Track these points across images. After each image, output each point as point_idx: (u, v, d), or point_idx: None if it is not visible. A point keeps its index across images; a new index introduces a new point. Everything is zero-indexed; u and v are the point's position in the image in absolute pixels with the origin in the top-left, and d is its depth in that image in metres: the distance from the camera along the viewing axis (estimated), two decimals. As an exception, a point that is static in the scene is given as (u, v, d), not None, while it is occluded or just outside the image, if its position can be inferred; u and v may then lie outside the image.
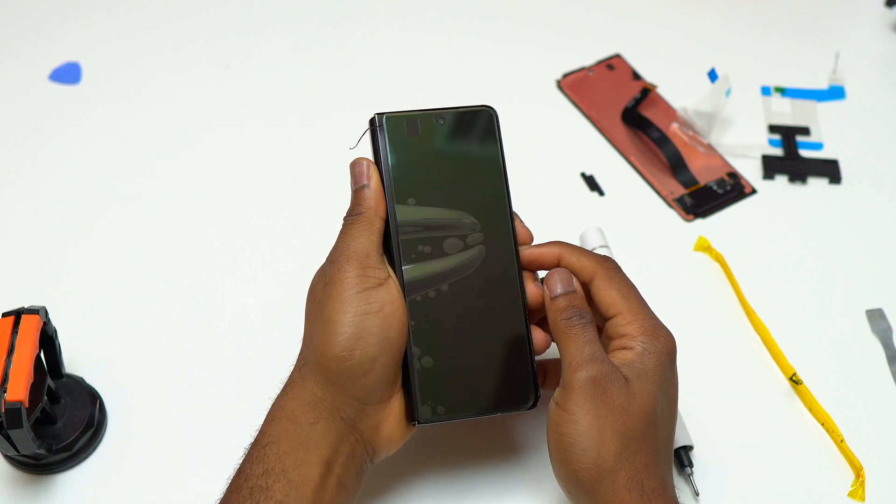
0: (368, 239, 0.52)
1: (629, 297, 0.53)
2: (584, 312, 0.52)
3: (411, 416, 0.52)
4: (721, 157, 0.76)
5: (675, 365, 0.53)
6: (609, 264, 0.54)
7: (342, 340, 0.50)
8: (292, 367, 0.53)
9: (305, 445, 0.50)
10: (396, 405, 0.53)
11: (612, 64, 0.83)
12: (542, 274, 0.56)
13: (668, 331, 0.53)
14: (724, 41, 0.85)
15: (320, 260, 0.54)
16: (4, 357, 0.54)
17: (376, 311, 0.50)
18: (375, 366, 0.50)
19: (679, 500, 0.51)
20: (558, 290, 0.52)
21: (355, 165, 0.54)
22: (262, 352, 0.64)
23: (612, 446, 0.49)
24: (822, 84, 0.82)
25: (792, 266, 0.70)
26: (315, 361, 0.51)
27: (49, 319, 0.58)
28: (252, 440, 0.51)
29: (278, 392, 0.53)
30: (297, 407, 0.51)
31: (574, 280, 0.53)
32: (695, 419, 0.61)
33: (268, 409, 0.52)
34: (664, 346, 0.52)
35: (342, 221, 0.54)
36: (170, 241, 0.71)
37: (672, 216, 0.73)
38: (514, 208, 0.55)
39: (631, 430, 0.49)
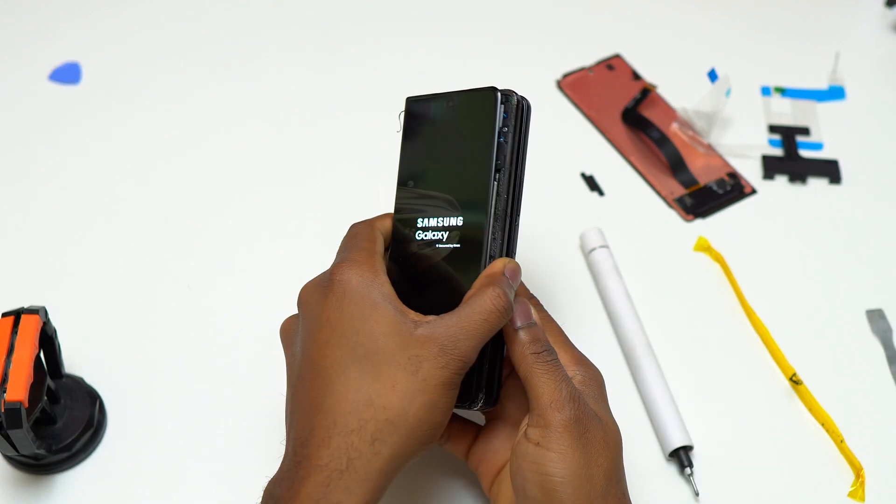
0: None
1: (553, 331, 0.53)
2: (551, 348, 0.51)
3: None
4: (721, 157, 0.76)
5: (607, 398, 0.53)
6: (535, 300, 0.54)
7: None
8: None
9: None
10: None
11: (612, 64, 0.83)
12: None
13: (595, 366, 0.53)
14: (724, 41, 0.85)
15: (321, 259, 0.54)
16: (4, 357, 0.54)
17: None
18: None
19: (678, 500, 0.51)
20: (518, 322, 0.51)
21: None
22: (262, 352, 0.64)
23: (599, 484, 0.48)
24: (822, 84, 0.82)
25: (792, 266, 0.70)
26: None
27: (49, 319, 0.58)
28: None
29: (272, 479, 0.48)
30: None
31: (533, 313, 0.52)
32: (695, 419, 0.61)
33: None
34: (597, 376, 0.52)
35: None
36: (170, 242, 0.71)
37: (672, 216, 0.73)
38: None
39: (612, 464, 0.49)
